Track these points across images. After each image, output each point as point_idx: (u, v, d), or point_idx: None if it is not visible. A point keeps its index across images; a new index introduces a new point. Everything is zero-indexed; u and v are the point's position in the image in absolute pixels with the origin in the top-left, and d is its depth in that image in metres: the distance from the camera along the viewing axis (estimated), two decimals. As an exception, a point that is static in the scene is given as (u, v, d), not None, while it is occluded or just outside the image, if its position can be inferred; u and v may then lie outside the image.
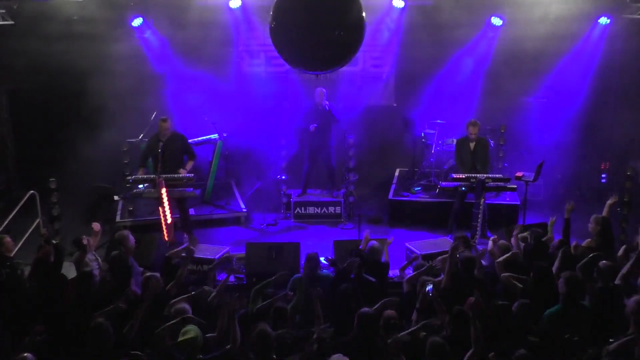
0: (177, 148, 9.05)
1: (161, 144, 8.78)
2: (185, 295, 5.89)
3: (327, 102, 10.15)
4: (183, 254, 6.75)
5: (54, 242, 6.53)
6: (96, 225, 7.51)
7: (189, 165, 9.16)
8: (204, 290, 6.12)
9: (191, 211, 9.85)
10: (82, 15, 10.04)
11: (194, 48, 11.07)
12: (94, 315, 5.36)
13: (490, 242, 6.95)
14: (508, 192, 9.79)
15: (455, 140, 9.92)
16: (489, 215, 9.31)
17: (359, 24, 5.67)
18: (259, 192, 10.71)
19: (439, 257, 6.59)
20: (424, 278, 6.03)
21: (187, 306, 5.55)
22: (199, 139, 10.59)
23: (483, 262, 6.87)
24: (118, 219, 9.80)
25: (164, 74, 11.08)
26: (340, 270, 6.48)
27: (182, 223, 9.13)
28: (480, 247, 8.13)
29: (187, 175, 8.86)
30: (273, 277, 6.50)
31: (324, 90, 10.22)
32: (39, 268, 6.36)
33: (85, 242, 6.77)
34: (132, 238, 6.94)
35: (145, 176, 8.98)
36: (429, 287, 5.29)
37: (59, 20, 9.91)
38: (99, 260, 7.27)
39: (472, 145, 9.31)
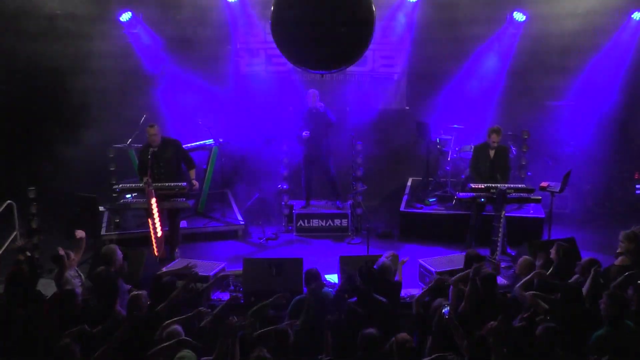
0: (171, 156, 9.03)
1: (151, 150, 8.79)
2: (179, 318, 5.87)
3: (322, 104, 10.10)
4: (191, 271, 6.76)
5: (28, 254, 6.51)
6: (79, 233, 7.48)
7: (193, 175, 9.13)
8: (199, 312, 6.10)
9: (183, 224, 9.83)
10: (66, 10, 10.07)
11: (188, 45, 11.11)
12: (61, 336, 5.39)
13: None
14: (532, 204, 9.73)
15: (472, 147, 9.88)
16: (511, 229, 9.24)
17: (368, 19, 5.66)
18: (258, 202, 10.68)
19: (455, 277, 6.53)
20: (440, 299, 5.98)
21: (179, 328, 5.54)
22: (193, 144, 10.59)
23: (505, 282, 6.81)
24: (103, 231, 9.79)
25: (158, 75, 11.09)
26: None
27: (170, 237, 9.07)
28: (502, 264, 8.09)
29: (181, 184, 8.84)
30: (270, 300, 6.46)
31: (316, 91, 10.18)
32: (12, 284, 6.35)
33: (61, 252, 6.74)
34: (120, 253, 6.91)
35: (133, 185, 8.97)
36: (446, 309, 5.24)
37: (40, 16, 9.94)
38: (82, 277, 7.24)
39: (492, 153, 9.27)
